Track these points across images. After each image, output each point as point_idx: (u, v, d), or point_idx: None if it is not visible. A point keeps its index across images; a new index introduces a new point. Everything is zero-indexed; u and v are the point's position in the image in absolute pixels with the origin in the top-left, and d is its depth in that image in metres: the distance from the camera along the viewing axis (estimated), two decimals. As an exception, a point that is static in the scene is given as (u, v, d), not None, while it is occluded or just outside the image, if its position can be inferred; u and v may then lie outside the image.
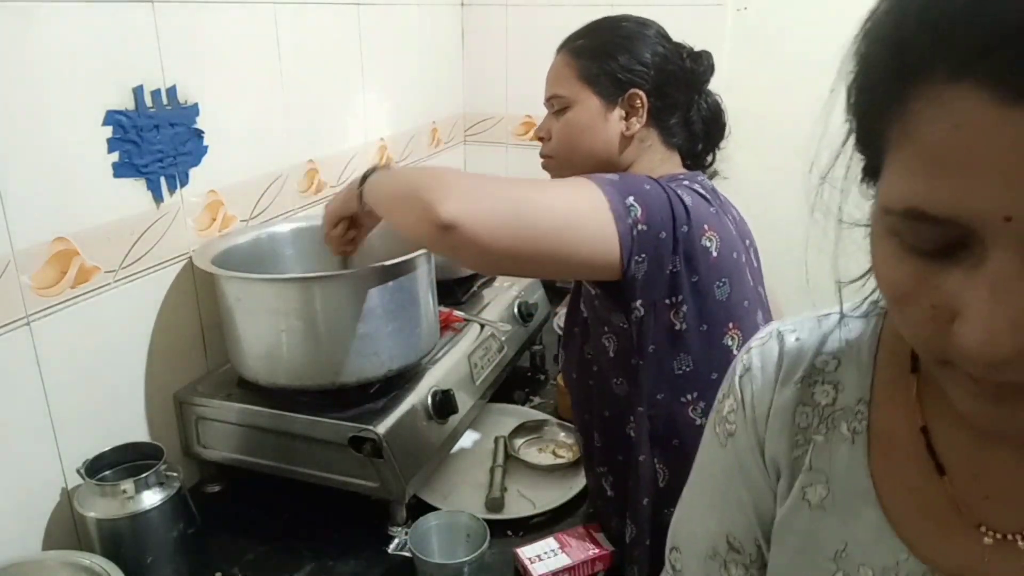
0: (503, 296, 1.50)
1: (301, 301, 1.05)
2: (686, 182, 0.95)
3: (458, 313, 1.36)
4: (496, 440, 1.28)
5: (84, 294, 1.00)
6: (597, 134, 1.03)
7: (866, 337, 0.58)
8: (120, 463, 1.00)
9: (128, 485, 0.94)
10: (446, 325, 1.33)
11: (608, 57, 1.02)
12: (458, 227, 0.77)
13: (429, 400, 1.14)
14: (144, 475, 0.95)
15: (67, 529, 1.00)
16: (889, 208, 0.41)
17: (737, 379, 0.62)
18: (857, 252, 0.51)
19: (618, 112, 1.02)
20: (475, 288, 1.51)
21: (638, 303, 0.89)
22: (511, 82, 2.09)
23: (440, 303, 1.38)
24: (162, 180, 1.10)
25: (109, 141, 1.01)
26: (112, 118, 1.01)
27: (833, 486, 0.55)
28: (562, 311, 1.65)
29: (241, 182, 1.26)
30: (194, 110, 1.14)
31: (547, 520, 1.12)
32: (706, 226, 0.90)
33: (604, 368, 0.98)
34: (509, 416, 1.37)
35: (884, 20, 0.41)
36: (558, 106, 1.07)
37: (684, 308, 0.89)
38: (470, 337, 1.32)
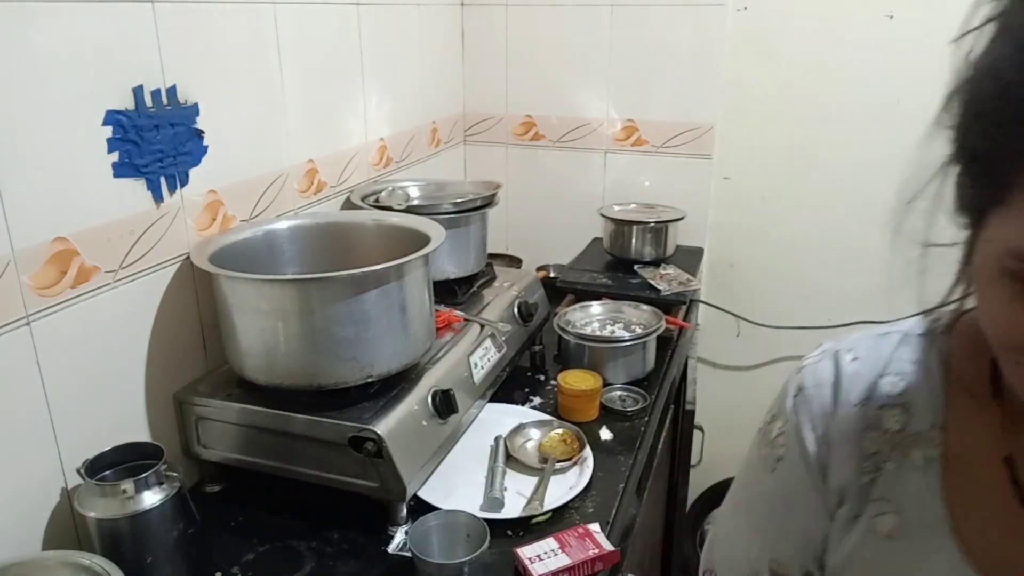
0: (503, 296, 1.50)
1: (299, 301, 1.05)
2: None
3: (458, 313, 1.37)
4: (496, 440, 1.28)
5: (84, 294, 1.00)
6: None
7: (932, 358, 0.55)
8: (120, 463, 1.00)
9: (128, 485, 0.94)
10: (446, 325, 1.33)
11: None
12: None
13: (429, 400, 1.14)
14: (144, 475, 0.95)
15: (67, 529, 1.00)
16: (1018, 252, 0.39)
17: (790, 400, 0.59)
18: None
19: None
20: (475, 288, 1.52)
21: None
22: (511, 82, 2.09)
23: (440, 303, 1.38)
24: (162, 180, 1.10)
25: (109, 141, 1.01)
26: (112, 118, 1.01)
27: (905, 515, 0.53)
28: (563, 311, 1.65)
29: (241, 182, 1.26)
30: (194, 110, 1.14)
31: (547, 520, 1.12)
32: None
33: None
34: (509, 416, 1.36)
35: (1012, 57, 0.39)
36: None
37: None
38: (470, 337, 1.32)
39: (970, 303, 0.50)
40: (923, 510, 0.52)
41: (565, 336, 1.54)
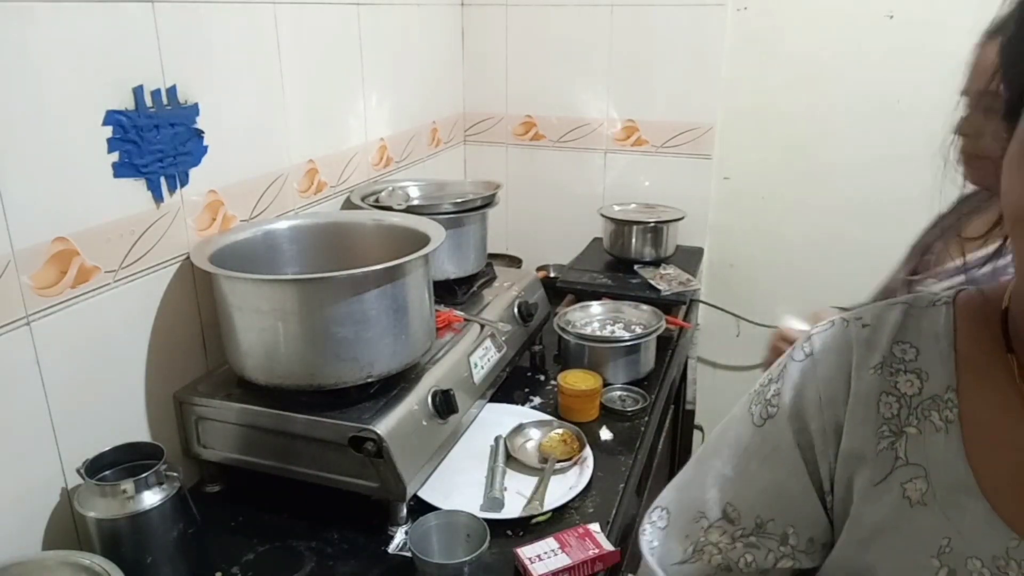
0: (503, 296, 1.50)
1: (299, 301, 1.05)
2: None
3: (458, 313, 1.37)
4: (496, 440, 1.28)
5: (84, 294, 1.00)
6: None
7: (940, 325, 0.57)
8: (120, 463, 1.00)
9: (128, 485, 0.94)
10: (446, 325, 1.33)
11: None
12: None
13: (429, 400, 1.14)
14: (144, 475, 0.95)
15: (67, 529, 1.00)
16: None
17: (794, 365, 0.61)
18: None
19: None
20: (475, 288, 1.52)
21: None
22: (511, 82, 2.09)
23: (440, 303, 1.38)
24: (162, 180, 1.10)
25: (109, 141, 1.01)
26: (112, 118, 1.01)
27: (932, 479, 0.54)
28: (563, 311, 1.65)
29: (241, 182, 1.26)
30: (194, 110, 1.14)
31: (547, 520, 1.12)
32: None
33: None
34: (509, 416, 1.36)
35: None
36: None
37: None
38: (470, 337, 1.32)
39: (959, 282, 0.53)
40: (950, 472, 0.54)
41: (565, 336, 1.54)
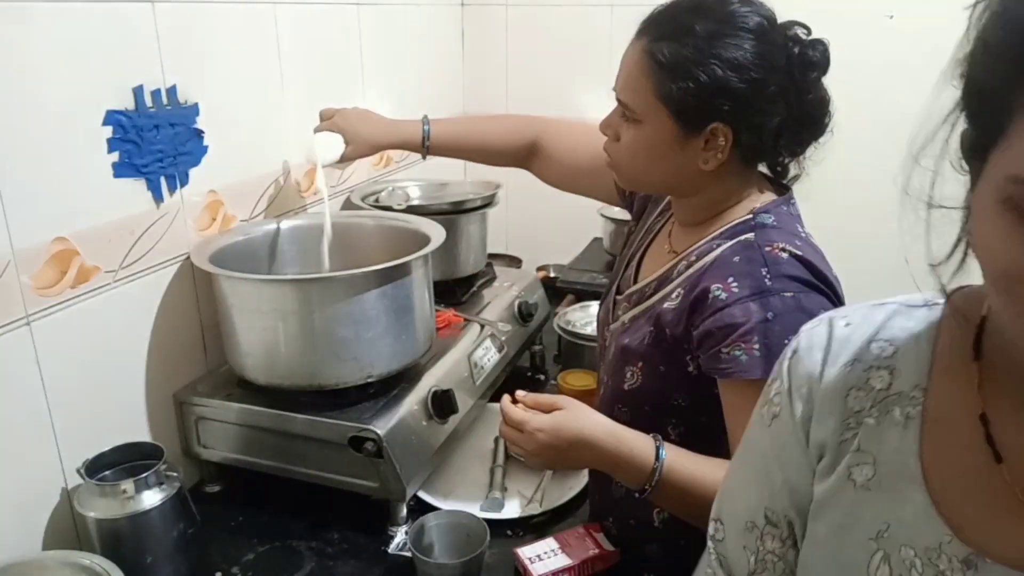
0: (503, 296, 1.50)
1: (299, 302, 1.05)
2: (802, 236, 0.92)
3: (458, 313, 1.37)
4: (496, 440, 1.28)
5: (84, 294, 1.00)
6: (668, 162, 0.91)
7: (923, 324, 0.58)
8: (120, 463, 1.00)
9: (128, 485, 0.94)
10: (446, 325, 1.33)
11: (691, 78, 0.85)
12: None
13: (429, 400, 1.14)
14: (144, 475, 0.95)
15: (67, 529, 1.00)
16: (1019, 176, 0.41)
17: (786, 362, 0.63)
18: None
19: (696, 143, 0.89)
20: (475, 288, 1.51)
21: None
22: (511, 82, 2.09)
23: (440, 303, 1.38)
24: (162, 180, 1.10)
25: (109, 141, 1.01)
26: (112, 118, 1.01)
27: (880, 467, 0.56)
28: (563, 311, 1.65)
29: (241, 182, 1.26)
30: (194, 110, 1.14)
31: (547, 520, 1.12)
32: None
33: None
34: (509, 416, 1.36)
35: None
36: (629, 116, 0.92)
37: None
38: (470, 337, 1.32)
39: (962, 280, 0.53)
40: (898, 463, 0.56)
41: (565, 336, 1.54)
